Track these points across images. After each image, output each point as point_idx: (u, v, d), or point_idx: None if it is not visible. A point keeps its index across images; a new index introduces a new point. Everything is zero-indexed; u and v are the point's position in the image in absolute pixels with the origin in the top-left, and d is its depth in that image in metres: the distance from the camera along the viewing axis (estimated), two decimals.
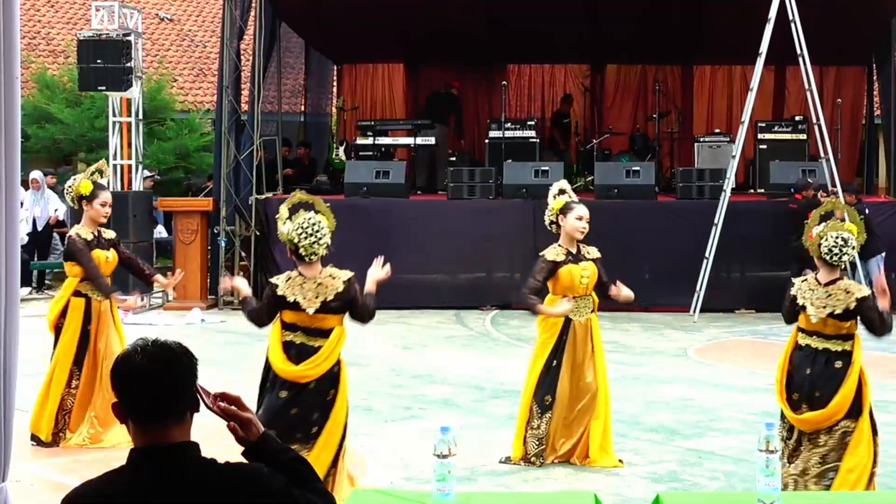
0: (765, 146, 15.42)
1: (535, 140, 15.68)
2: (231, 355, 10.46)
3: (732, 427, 7.72)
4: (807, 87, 13.17)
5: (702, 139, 16.16)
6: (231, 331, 12.02)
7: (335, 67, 19.35)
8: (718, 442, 7.33)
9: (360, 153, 15.77)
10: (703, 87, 18.61)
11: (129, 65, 14.20)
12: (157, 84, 19.88)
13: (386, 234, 13.64)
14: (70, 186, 7.57)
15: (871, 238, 13.13)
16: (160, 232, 16.76)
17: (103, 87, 14.45)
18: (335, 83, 19.55)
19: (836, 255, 5.45)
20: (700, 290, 12.87)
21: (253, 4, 14.85)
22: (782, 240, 13.27)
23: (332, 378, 5.49)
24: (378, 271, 5.80)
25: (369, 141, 15.92)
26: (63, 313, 7.21)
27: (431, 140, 16.02)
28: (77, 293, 7.25)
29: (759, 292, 13.69)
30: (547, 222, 7.09)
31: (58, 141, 19.19)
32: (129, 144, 15.04)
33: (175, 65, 22.58)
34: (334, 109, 19.30)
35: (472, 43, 16.96)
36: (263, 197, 14.37)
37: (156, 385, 2.44)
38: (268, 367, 5.51)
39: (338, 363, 5.54)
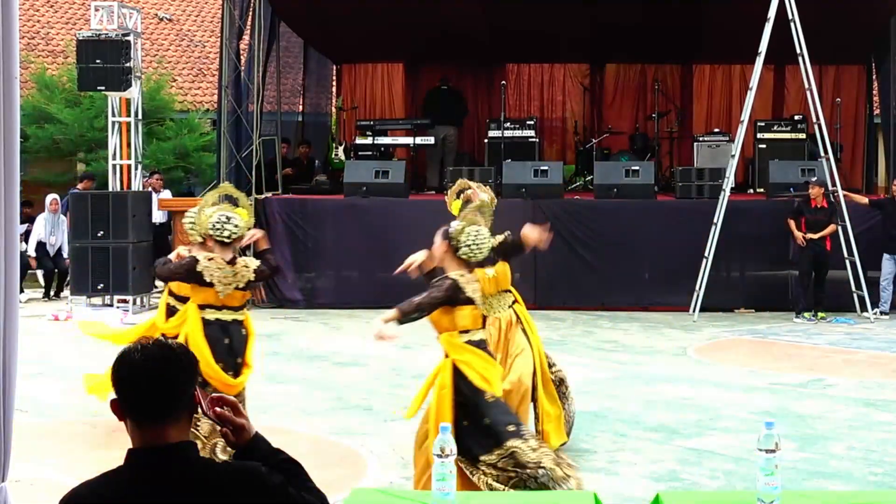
0: (764, 145, 15.43)
1: (534, 140, 15.69)
2: None
3: (732, 426, 7.72)
4: (806, 86, 13.18)
5: (701, 138, 16.18)
6: None
7: (335, 67, 19.35)
8: (718, 441, 7.33)
9: (360, 153, 15.77)
10: (702, 87, 18.60)
11: (128, 65, 14.20)
12: (157, 84, 19.89)
13: (386, 234, 13.64)
14: (194, 222, 6.94)
15: None
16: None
17: (102, 87, 14.45)
18: (335, 83, 19.54)
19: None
20: (699, 289, 12.87)
21: (252, 4, 14.84)
22: (782, 239, 13.30)
23: None
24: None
25: (369, 141, 15.93)
26: None
27: (431, 140, 16.02)
28: None
29: (759, 291, 13.70)
30: None
31: (57, 141, 19.19)
32: (129, 144, 15.03)
33: (174, 65, 22.58)
34: (334, 109, 19.30)
35: (472, 42, 16.96)
36: (263, 197, 14.37)
37: (154, 384, 2.43)
38: None
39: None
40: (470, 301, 5.46)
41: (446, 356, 5.43)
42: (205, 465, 2.45)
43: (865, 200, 13.55)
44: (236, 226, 6.24)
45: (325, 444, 7.38)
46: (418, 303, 5.35)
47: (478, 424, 5.30)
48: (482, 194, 6.90)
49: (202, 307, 6.28)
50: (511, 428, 5.26)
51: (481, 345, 5.53)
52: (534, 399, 6.69)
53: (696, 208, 13.68)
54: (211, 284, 6.23)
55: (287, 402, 8.57)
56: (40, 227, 15.65)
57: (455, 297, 5.39)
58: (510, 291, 6.81)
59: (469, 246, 5.48)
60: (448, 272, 5.50)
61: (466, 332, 5.46)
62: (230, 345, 6.28)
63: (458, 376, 5.35)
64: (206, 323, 6.26)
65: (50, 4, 23.61)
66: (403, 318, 5.32)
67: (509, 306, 6.76)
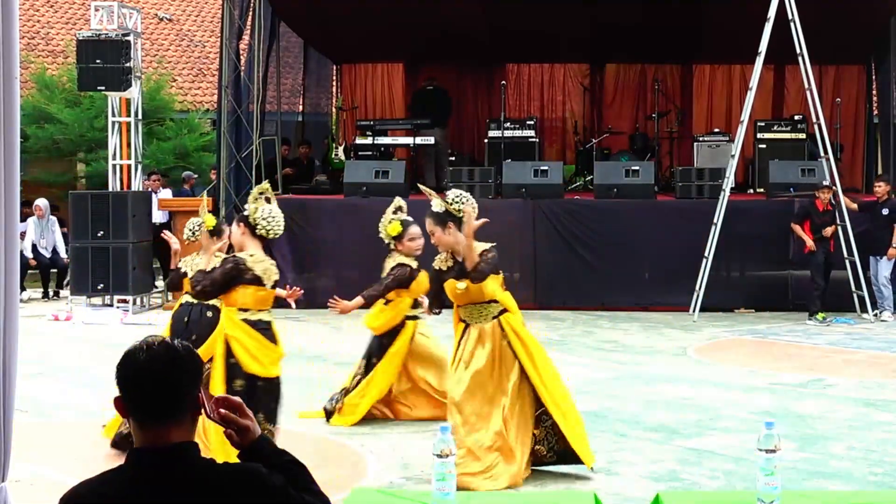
0: (764, 145, 15.43)
1: (534, 140, 15.69)
2: None
3: (732, 426, 7.72)
4: (806, 86, 13.18)
5: (701, 138, 16.18)
6: None
7: (335, 67, 19.35)
8: (718, 441, 7.33)
9: (360, 153, 15.76)
10: (702, 87, 18.60)
11: (128, 65, 14.20)
12: (157, 84, 19.89)
13: None
14: (382, 228, 8.69)
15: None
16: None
17: (102, 87, 14.45)
18: (335, 83, 19.54)
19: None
20: (699, 289, 12.87)
21: (252, 4, 14.84)
22: (782, 239, 13.30)
23: None
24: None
25: (368, 141, 15.92)
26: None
27: (431, 140, 16.01)
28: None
29: (759, 291, 13.70)
30: None
31: (57, 141, 19.19)
32: (129, 144, 15.03)
33: (174, 65, 22.59)
34: (334, 109, 19.30)
35: (472, 42, 16.96)
36: None
37: (158, 386, 2.43)
38: None
39: None
40: (257, 281, 5.80)
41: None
42: (206, 465, 2.45)
43: (854, 206, 13.38)
44: (190, 230, 7.40)
45: (326, 444, 7.39)
46: (205, 282, 5.85)
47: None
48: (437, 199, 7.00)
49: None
50: None
51: (258, 325, 5.87)
52: (546, 418, 6.47)
53: (696, 208, 13.67)
54: (185, 274, 7.21)
55: (286, 402, 8.54)
56: (31, 231, 15.64)
57: (237, 277, 5.76)
58: (496, 301, 6.35)
59: (265, 220, 5.90)
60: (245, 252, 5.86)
61: (245, 310, 5.81)
62: (187, 323, 7.04)
63: (228, 351, 5.79)
64: (180, 305, 7.20)
65: (50, 4, 23.62)
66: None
67: (494, 317, 6.33)
